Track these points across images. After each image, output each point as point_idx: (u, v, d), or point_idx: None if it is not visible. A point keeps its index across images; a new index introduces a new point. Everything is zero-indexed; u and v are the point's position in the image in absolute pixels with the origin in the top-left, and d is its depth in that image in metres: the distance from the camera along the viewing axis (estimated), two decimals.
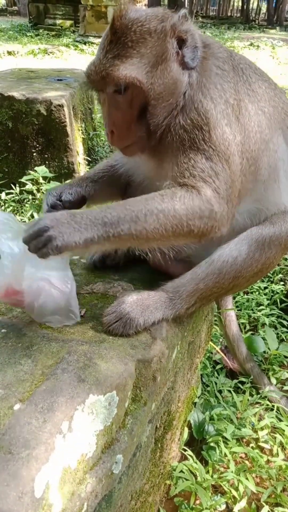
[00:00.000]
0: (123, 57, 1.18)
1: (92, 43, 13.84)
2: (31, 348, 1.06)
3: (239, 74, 1.36)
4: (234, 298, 2.79)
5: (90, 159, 4.42)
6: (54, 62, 10.94)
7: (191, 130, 1.24)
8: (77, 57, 12.04)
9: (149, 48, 1.19)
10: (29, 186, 3.63)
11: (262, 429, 1.89)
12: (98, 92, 1.31)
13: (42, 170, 3.63)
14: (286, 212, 1.48)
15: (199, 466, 1.64)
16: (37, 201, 3.65)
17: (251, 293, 2.92)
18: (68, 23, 17.74)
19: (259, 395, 2.08)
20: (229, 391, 2.07)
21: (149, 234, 1.16)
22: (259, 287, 2.94)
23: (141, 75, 1.19)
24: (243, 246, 1.37)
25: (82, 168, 4.24)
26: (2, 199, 3.74)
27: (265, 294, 2.89)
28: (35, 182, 3.65)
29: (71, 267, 1.24)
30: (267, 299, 2.83)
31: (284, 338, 2.54)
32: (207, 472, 1.68)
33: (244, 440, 1.90)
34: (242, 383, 2.17)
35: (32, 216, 3.43)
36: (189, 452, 1.70)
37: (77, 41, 14.57)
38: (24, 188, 3.69)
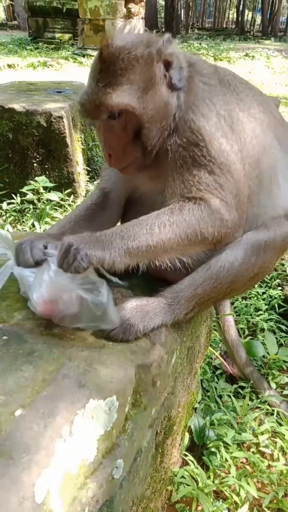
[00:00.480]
0: (114, 85, 1.20)
1: (90, 55, 14.03)
2: (32, 355, 1.07)
3: (226, 85, 1.40)
4: (232, 303, 2.81)
5: (89, 169, 4.47)
6: (53, 75, 11.08)
7: (189, 148, 1.28)
8: (76, 70, 12.21)
9: (138, 74, 1.22)
10: (29, 196, 3.68)
11: (262, 433, 1.89)
12: (93, 120, 1.33)
13: (42, 180, 3.68)
14: (281, 216, 1.51)
15: (200, 471, 1.64)
16: (37, 211, 3.70)
17: (250, 298, 2.94)
18: (67, 36, 18.00)
19: (259, 400, 2.08)
20: (229, 396, 2.08)
21: (165, 244, 1.23)
22: (257, 292, 2.96)
23: (133, 101, 1.22)
24: (239, 251, 1.40)
25: (81, 178, 4.29)
26: (3, 209, 3.79)
27: (263, 299, 2.90)
28: (35, 192, 3.70)
29: None
30: (265, 304, 2.85)
31: (283, 342, 2.54)
32: (208, 477, 1.68)
33: (245, 445, 1.89)
34: (242, 388, 2.18)
35: (33, 225, 3.47)
36: (190, 457, 1.71)
37: (75, 54, 14.79)
38: (25, 198, 3.74)
